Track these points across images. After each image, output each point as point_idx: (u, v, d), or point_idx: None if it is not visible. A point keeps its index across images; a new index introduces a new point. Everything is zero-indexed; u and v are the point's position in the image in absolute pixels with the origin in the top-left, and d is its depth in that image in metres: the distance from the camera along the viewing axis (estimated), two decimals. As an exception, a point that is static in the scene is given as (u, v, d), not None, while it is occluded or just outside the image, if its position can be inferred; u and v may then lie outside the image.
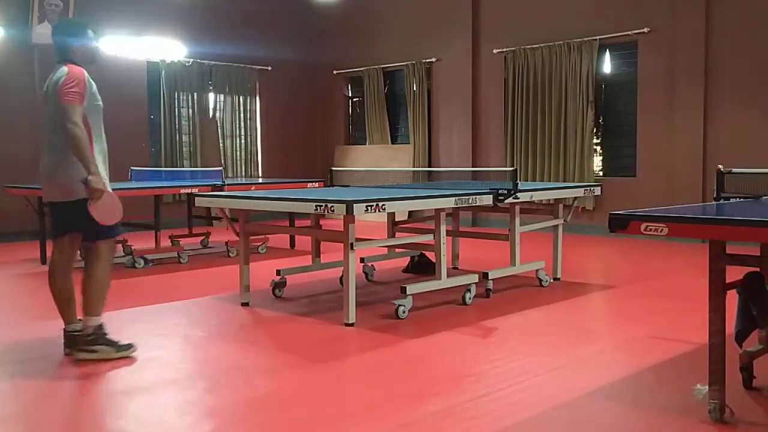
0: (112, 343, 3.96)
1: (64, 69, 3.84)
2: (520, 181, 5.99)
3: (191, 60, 11.04)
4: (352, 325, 4.61)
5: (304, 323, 4.81)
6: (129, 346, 4.01)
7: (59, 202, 3.91)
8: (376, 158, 11.74)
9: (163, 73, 10.75)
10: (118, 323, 4.78)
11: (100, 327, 3.95)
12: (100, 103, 3.95)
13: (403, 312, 4.83)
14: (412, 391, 3.40)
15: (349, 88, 12.75)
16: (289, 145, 12.55)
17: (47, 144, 3.92)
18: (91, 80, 3.89)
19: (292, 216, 8.08)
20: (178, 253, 7.57)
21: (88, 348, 3.93)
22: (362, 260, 6.37)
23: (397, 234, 6.46)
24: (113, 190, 3.96)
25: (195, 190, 7.22)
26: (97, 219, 3.77)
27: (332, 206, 4.32)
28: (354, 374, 3.79)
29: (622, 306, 5.35)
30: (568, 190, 6.26)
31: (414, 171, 10.50)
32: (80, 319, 4.02)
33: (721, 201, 6.06)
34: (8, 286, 6.48)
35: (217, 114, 11.63)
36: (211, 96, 11.60)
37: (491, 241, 6.48)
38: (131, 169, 8.33)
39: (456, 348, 4.17)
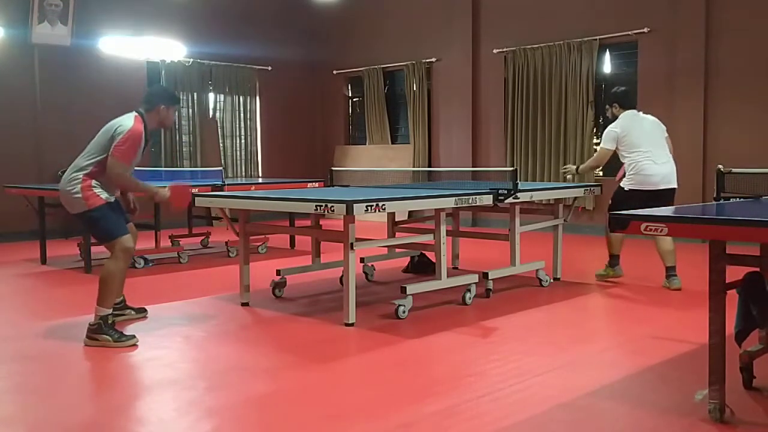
0: (113, 334, 4.23)
1: (130, 120, 4.31)
2: (520, 181, 5.99)
3: (191, 60, 11.04)
4: (352, 325, 4.61)
5: (304, 323, 4.81)
6: (129, 338, 4.26)
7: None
8: (376, 158, 11.74)
9: (163, 73, 10.75)
10: (117, 323, 4.78)
11: (106, 318, 4.25)
12: (139, 158, 4.46)
13: (403, 312, 4.83)
14: (412, 391, 3.40)
15: (349, 88, 12.74)
16: (289, 145, 12.55)
17: (76, 160, 4.39)
18: (144, 139, 4.37)
19: (292, 216, 8.08)
20: (178, 253, 7.57)
21: (92, 335, 4.24)
22: (362, 260, 6.37)
23: (397, 234, 6.46)
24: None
25: (195, 190, 7.20)
26: (176, 205, 4.75)
27: (332, 206, 4.32)
28: (354, 374, 3.79)
29: (622, 306, 5.36)
30: (568, 190, 6.26)
31: (414, 171, 10.50)
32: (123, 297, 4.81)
33: (721, 201, 6.06)
34: (8, 286, 6.48)
35: (217, 114, 11.63)
36: (211, 96, 11.59)
37: (491, 241, 6.48)
38: (131, 169, 8.32)
39: (456, 348, 4.17)
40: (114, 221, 4.40)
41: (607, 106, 6.21)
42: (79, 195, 4.28)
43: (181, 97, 10.98)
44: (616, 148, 5.89)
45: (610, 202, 5.97)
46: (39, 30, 9.37)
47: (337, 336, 4.45)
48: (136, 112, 4.42)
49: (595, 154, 6.21)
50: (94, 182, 4.31)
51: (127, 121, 4.32)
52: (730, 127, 8.43)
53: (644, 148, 5.79)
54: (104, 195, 4.34)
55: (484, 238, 6.61)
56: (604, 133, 5.99)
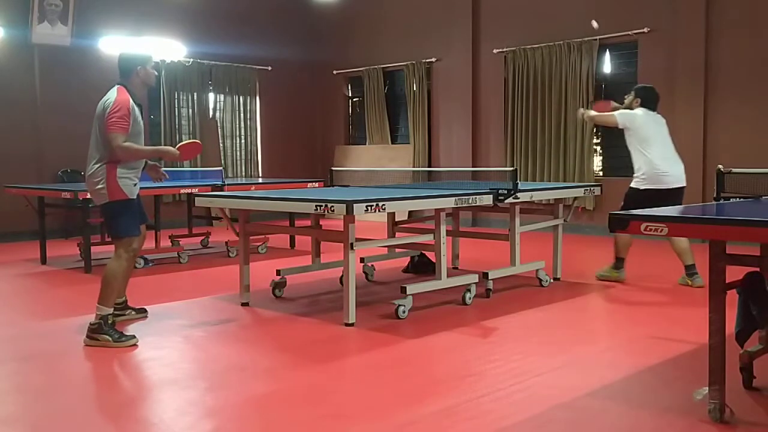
0: (113, 334, 4.24)
1: (114, 93, 4.35)
2: (520, 181, 5.99)
3: (191, 60, 11.04)
4: (352, 325, 4.61)
5: (304, 323, 4.81)
6: (129, 338, 4.28)
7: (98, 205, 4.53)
8: (376, 158, 11.74)
9: (163, 73, 10.73)
10: (117, 323, 4.78)
11: (106, 318, 4.25)
12: (141, 126, 4.45)
13: (403, 312, 4.83)
14: (412, 391, 3.40)
15: (349, 88, 12.74)
16: (289, 145, 12.54)
17: (89, 154, 4.43)
18: (134, 105, 4.38)
19: (292, 216, 8.08)
20: (178, 253, 7.57)
21: (92, 335, 4.25)
22: (362, 260, 6.37)
23: (397, 234, 6.46)
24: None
25: (195, 190, 7.22)
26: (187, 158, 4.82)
27: (332, 206, 4.32)
28: (354, 374, 3.79)
29: (622, 306, 5.36)
30: (568, 190, 6.27)
31: (414, 171, 10.50)
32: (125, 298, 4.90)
33: (721, 201, 6.06)
34: (8, 285, 6.48)
35: (217, 114, 11.62)
36: (211, 96, 11.59)
37: (491, 241, 6.48)
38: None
39: (456, 348, 4.17)
40: (128, 219, 4.42)
41: (631, 95, 6.06)
42: (104, 186, 4.31)
43: (181, 97, 11.01)
44: (626, 136, 5.92)
45: (622, 203, 5.94)
46: (39, 30, 9.37)
47: (337, 336, 4.45)
48: (118, 84, 4.44)
49: (606, 116, 6.03)
50: (119, 170, 4.32)
51: (111, 95, 4.36)
52: (730, 127, 8.43)
53: (656, 146, 5.86)
54: (128, 190, 4.37)
55: (484, 238, 6.61)
56: (625, 110, 5.95)
